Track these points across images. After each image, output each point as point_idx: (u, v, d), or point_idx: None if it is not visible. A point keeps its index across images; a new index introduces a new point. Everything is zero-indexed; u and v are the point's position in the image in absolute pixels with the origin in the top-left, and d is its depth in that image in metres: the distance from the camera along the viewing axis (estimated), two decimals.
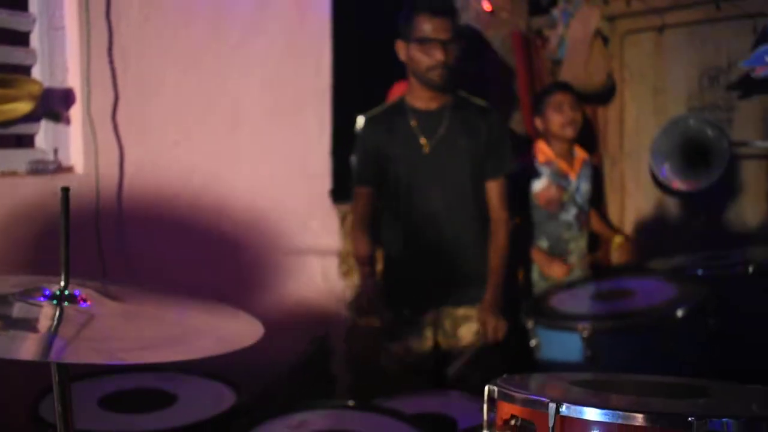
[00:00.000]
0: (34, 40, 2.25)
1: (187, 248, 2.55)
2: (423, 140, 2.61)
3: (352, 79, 3.11)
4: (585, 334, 2.56)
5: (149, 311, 1.36)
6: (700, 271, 2.95)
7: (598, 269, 3.59)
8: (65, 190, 1.32)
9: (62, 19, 2.26)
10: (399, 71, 3.53)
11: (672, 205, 3.78)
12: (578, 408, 0.89)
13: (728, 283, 2.89)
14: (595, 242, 3.83)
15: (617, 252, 3.61)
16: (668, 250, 3.63)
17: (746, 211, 3.58)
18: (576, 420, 0.89)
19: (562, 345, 2.68)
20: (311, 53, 2.89)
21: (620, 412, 0.87)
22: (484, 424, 1.01)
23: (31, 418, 1.83)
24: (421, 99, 2.63)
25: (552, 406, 0.90)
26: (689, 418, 0.84)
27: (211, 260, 2.63)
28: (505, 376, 1.13)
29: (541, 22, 3.93)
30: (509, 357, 2.80)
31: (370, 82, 3.32)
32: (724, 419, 0.84)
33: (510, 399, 0.98)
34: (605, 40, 3.83)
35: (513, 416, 0.97)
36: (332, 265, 3.06)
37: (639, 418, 0.86)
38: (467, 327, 2.68)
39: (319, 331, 3.05)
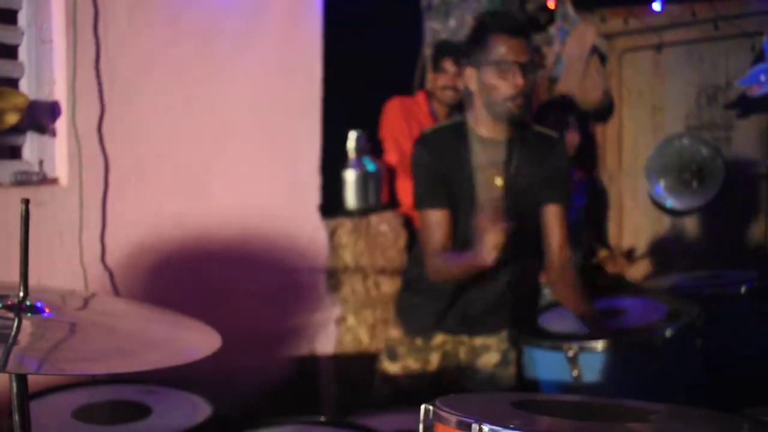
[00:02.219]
0: (22, 53, 2.28)
1: (172, 262, 2.56)
2: (493, 170, 2.37)
3: (344, 95, 3.12)
4: (570, 353, 2.54)
5: (106, 323, 1.37)
6: (692, 291, 2.92)
7: (592, 287, 3.57)
8: (26, 202, 1.33)
9: (50, 32, 2.29)
10: (393, 86, 3.56)
11: (669, 223, 3.75)
12: (500, 430, 0.88)
13: (720, 303, 2.87)
14: (593, 258, 3.81)
15: (608, 266, 3.59)
16: (664, 268, 3.61)
17: (742, 231, 3.54)
18: None
19: (549, 364, 2.65)
20: (301, 68, 2.90)
21: None
22: None
23: (7, 430, 1.84)
24: (487, 128, 2.38)
25: (475, 427, 0.89)
26: None
27: (195, 274, 2.63)
28: (451, 395, 1.12)
29: (538, 39, 3.94)
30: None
31: (362, 98, 3.34)
32: None
33: (442, 420, 0.97)
34: (602, 58, 3.83)
35: None
36: (321, 280, 3.05)
37: None
38: (487, 357, 2.55)
39: (306, 347, 3.04)
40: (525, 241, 2.40)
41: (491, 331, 2.54)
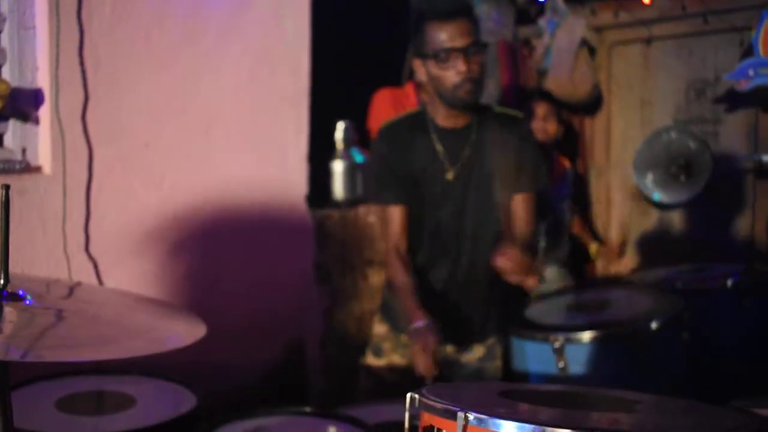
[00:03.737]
0: (4, 39, 2.25)
1: (157, 251, 2.54)
2: (447, 164, 2.32)
3: (332, 85, 3.11)
4: (556, 345, 2.54)
5: (89, 310, 1.35)
6: (678, 284, 2.94)
7: (580, 280, 3.58)
8: (6, 188, 1.31)
9: (33, 18, 2.26)
10: (382, 77, 3.54)
11: (656, 216, 3.76)
12: (486, 418, 0.87)
13: (706, 297, 2.88)
14: (581, 252, 3.81)
15: (598, 259, 3.60)
16: (652, 261, 3.62)
17: (730, 224, 3.56)
18: (484, 430, 0.87)
19: (535, 356, 2.65)
20: (289, 57, 2.88)
21: (526, 424, 0.85)
22: None
23: None
24: (445, 117, 2.32)
25: (461, 415, 0.88)
26: None
27: (181, 264, 2.61)
28: (437, 384, 1.11)
29: (528, 31, 3.93)
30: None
31: (351, 88, 3.32)
32: None
33: (428, 408, 0.96)
34: (592, 51, 3.83)
35: (431, 426, 0.96)
36: (308, 271, 3.04)
37: (547, 431, 0.85)
38: (472, 352, 2.51)
39: (294, 338, 3.03)
40: (489, 234, 2.36)
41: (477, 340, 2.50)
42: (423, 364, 2.10)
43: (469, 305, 2.45)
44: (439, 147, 2.32)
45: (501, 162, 2.32)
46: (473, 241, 2.37)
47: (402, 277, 2.28)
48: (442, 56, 2.17)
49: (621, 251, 3.64)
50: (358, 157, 3.25)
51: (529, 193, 2.37)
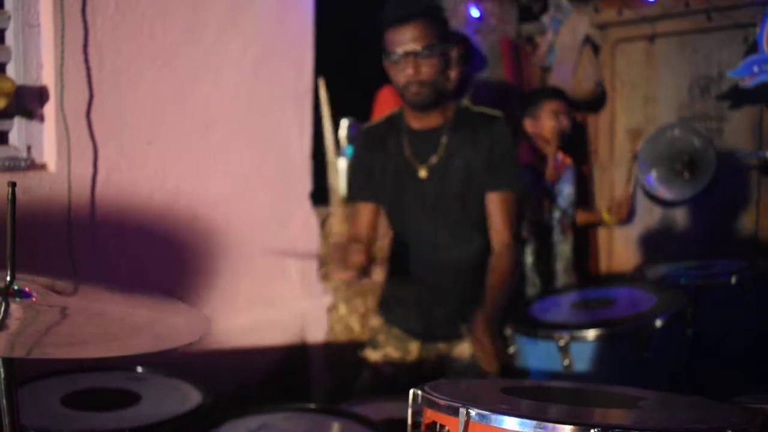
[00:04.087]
0: (9, 37, 2.25)
1: (161, 249, 2.55)
2: (417, 164, 2.35)
3: (336, 82, 3.11)
4: (561, 342, 2.54)
5: (93, 308, 1.36)
6: (682, 281, 2.93)
7: (584, 277, 3.58)
8: (12, 185, 1.31)
9: (37, 16, 2.26)
10: (385, 75, 3.54)
11: (659, 213, 3.76)
12: (488, 414, 0.87)
13: (710, 293, 2.88)
14: (585, 249, 3.81)
15: (612, 220, 3.54)
16: (656, 258, 3.62)
17: (733, 221, 3.55)
18: (487, 427, 0.88)
19: (540, 353, 2.66)
20: (292, 54, 2.88)
21: (528, 420, 0.85)
22: (408, 428, 0.99)
23: None
24: (414, 118, 2.35)
25: (462, 411, 0.88)
26: (592, 430, 0.82)
27: (185, 261, 2.62)
28: (440, 380, 1.11)
29: (531, 28, 3.93)
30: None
31: (355, 85, 3.32)
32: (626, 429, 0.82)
33: (430, 404, 0.96)
34: (596, 49, 3.82)
35: (434, 422, 0.96)
36: (312, 268, 3.04)
37: (548, 426, 0.85)
38: (464, 346, 2.50)
39: (297, 335, 3.03)
40: (470, 230, 2.36)
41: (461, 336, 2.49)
42: (340, 274, 2.15)
43: (453, 300, 2.44)
44: (408, 148, 2.36)
45: (474, 161, 2.33)
46: (449, 238, 2.37)
47: (357, 260, 2.20)
48: (393, 59, 2.22)
49: (630, 210, 3.57)
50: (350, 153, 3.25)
51: (504, 192, 2.34)
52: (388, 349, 2.54)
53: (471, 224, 2.38)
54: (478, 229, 2.39)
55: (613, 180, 3.98)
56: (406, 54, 2.20)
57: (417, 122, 2.36)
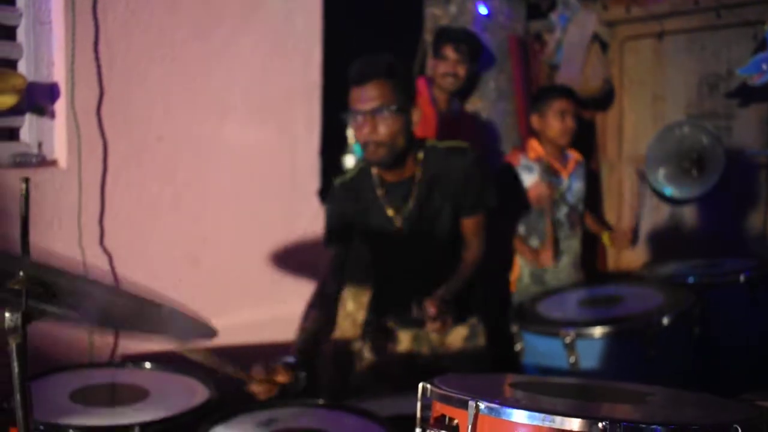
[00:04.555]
0: (21, 34, 2.27)
1: (170, 245, 2.56)
2: (392, 213, 2.39)
3: (345, 79, 3.11)
4: (567, 340, 2.55)
5: None
6: (690, 279, 2.93)
7: (591, 274, 3.58)
8: (26, 180, 1.33)
9: (49, 13, 2.28)
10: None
11: (668, 211, 3.75)
12: (497, 407, 0.88)
13: (718, 292, 2.87)
14: (593, 247, 3.81)
15: (611, 246, 3.58)
16: (664, 256, 3.61)
17: (742, 219, 3.54)
18: (496, 420, 0.88)
19: (546, 350, 2.67)
20: (300, 51, 2.89)
21: (537, 413, 0.86)
22: (417, 422, 1.00)
23: (1, 411, 1.85)
24: (385, 172, 2.38)
25: (472, 404, 0.89)
26: (600, 424, 0.83)
27: (193, 257, 2.63)
28: (449, 374, 1.12)
29: (540, 26, 3.92)
30: (497, 362, 2.78)
31: None
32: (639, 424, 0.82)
33: (440, 397, 0.97)
34: (604, 46, 3.82)
35: (443, 415, 0.97)
36: (319, 264, 3.05)
37: (556, 420, 0.86)
38: (455, 333, 2.54)
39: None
40: (447, 256, 2.44)
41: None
42: (260, 393, 2.03)
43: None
44: (383, 200, 2.40)
45: (447, 196, 2.40)
46: (427, 272, 2.42)
47: (310, 320, 2.35)
48: (351, 118, 2.27)
49: (634, 237, 3.60)
50: (360, 152, 3.26)
51: (476, 216, 2.44)
52: (382, 344, 2.57)
53: (447, 252, 2.46)
54: (453, 247, 2.47)
55: (621, 177, 3.98)
56: (364, 113, 2.22)
57: (389, 176, 2.39)
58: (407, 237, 2.41)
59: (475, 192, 2.43)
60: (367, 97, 2.21)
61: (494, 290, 2.92)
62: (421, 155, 2.39)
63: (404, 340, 2.56)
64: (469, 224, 2.45)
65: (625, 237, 3.50)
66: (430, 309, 2.16)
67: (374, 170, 2.41)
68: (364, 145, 2.27)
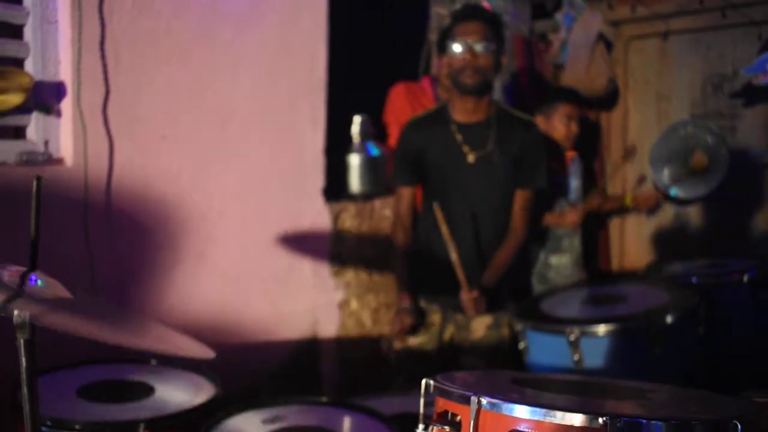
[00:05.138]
0: (28, 33, 2.29)
1: (175, 242, 2.57)
2: (467, 149, 2.68)
3: (349, 78, 3.12)
4: (572, 338, 2.55)
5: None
6: (694, 279, 2.93)
7: (595, 274, 3.58)
8: (38, 179, 1.34)
9: (55, 12, 2.29)
10: (398, 71, 3.56)
11: (672, 211, 3.75)
12: (499, 403, 0.89)
13: (722, 291, 2.88)
14: (596, 248, 3.81)
15: (638, 205, 3.55)
16: (668, 255, 3.62)
17: (746, 219, 3.54)
18: (498, 415, 0.89)
19: (550, 349, 2.67)
20: (305, 50, 2.90)
21: (539, 409, 0.87)
22: (420, 418, 1.01)
23: (11, 407, 1.86)
24: (461, 111, 2.70)
25: (474, 399, 0.90)
26: (601, 419, 0.84)
27: (198, 255, 2.64)
28: (452, 371, 1.13)
29: (545, 25, 3.93)
30: (508, 361, 2.80)
31: (368, 81, 3.33)
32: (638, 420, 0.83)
33: (442, 393, 0.98)
34: (609, 46, 3.82)
35: (446, 411, 0.97)
36: (323, 263, 3.06)
37: (557, 415, 0.86)
38: (479, 320, 2.71)
39: (309, 330, 3.05)
40: (493, 214, 2.70)
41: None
42: (395, 336, 2.68)
43: (475, 270, 2.67)
44: (459, 136, 2.69)
45: (511, 156, 2.68)
46: (488, 219, 2.70)
47: (403, 251, 2.75)
48: (452, 47, 2.62)
49: (656, 205, 3.58)
50: (375, 151, 3.26)
51: (527, 191, 2.72)
52: (421, 330, 2.76)
53: (503, 206, 2.72)
54: (506, 213, 2.73)
55: (625, 177, 3.98)
56: (468, 44, 2.59)
57: (462, 116, 2.70)
58: (478, 170, 2.68)
59: (532, 166, 2.71)
60: (471, 31, 2.60)
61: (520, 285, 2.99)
62: (492, 110, 2.71)
63: (435, 323, 2.77)
64: (520, 196, 2.71)
65: (652, 198, 3.49)
66: (468, 293, 2.54)
67: (450, 110, 2.72)
68: (460, 71, 2.60)
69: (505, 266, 2.70)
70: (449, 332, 2.78)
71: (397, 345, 2.73)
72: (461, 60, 2.60)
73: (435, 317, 2.77)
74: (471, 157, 2.67)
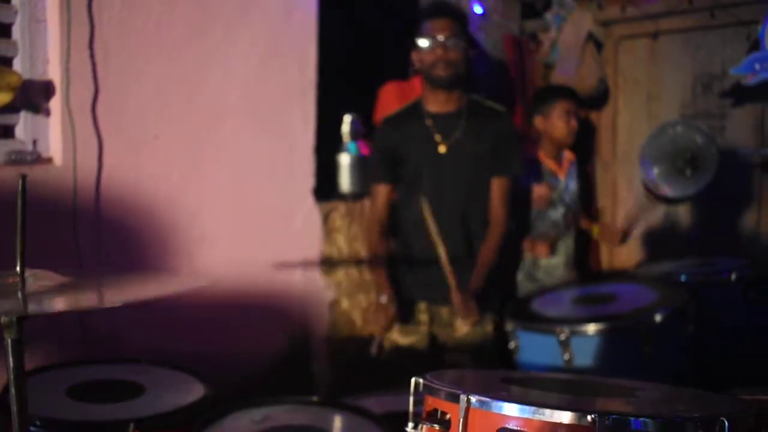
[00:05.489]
0: (16, 32, 2.27)
1: (165, 242, 2.57)
2: (438, 139, 2.74)
3: (339, 78, 3.12)
4: (562, 337, 2.56)
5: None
6: (683, 278, 2.95)
7: (585, 273, 3.59)
8: (23, 177, 1.33)
9: (44, 11, 2.28)
10: (389, 70, 3.56)
11: (662, 210, 3.77)
12: (488, 401, 0.89)
13: (711, 290, 2.89)
14: (587, 246, 3.82)
15: (600, 239, 3.61)
16: (658, 254, 3.63)
17: (735, 219, 3.56)
18: (487, 413, 0.89)
19: (541, 348, 2.68)
20: (296, 50, 2.90)
21: (528, 406, 0.87)
22: (410, 416, 1.01)
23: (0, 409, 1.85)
24: (434, 102, 2.77)
25: (463, 398, 0.90)
26: (590, 416, 0.84)
27: (189, 255, 2.64)
28: (442, 370, 1.13)
29: (535, 25, 3.94)
30: (493, 359, 2.80)
31: (358, 81, 3.33)
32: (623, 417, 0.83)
33: (432, 391, 0.98)
34: (599, 45, 3.83)
35: (435, 409, 0.97)
36: (314, 263, 3.06)
37: (546, 413, 0.87)
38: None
39: (300, 330, 3.05)
40: (468, 203, 2.75)
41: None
42: (378, 329, 2.69)
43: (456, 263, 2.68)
44: (431, 126, 2.76)
45: (483, 146, 2.74)
46: (460, 205, 2.75)
47: (378, 250, 2.80)
48: (424, 43, 2.69)
49: (624, 236, 3.63)
50: (365, 151, 3.26)
51: (504, 178, 2.77)
52: (407, 327, 2.80)
53: (477, 196, 2.77)
54: (481, 203, 2.77)
55: (615, 177, 3.99)
56: (439, 40, 2.66)
57: (435, 106, 2.77)
58: (450, 160, 2.73)
59: (507, 153, 2.77)
60: (440, 27, 2.68)
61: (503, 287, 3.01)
62: (463, 101, 2.77)
63: (422, 321, 2.80)
64: (498, 185, 2.76)
65: (615, 233, 3.53)
66: (458, 296, 2.57)
67: (423, 103, 2.79)
68: (432, 65, 2.68)
69: (491, 263, 2.73)
70: (435, 330, 2.80)
71: (379, 341, 2.73)
72: (433, 54, 2.67)
73: (423, 316, 2.80)
74: (443, 148, 2.73)
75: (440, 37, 2.67)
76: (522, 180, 3.05)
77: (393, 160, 2.79)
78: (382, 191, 2.81)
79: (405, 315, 2.78)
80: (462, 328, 2.72)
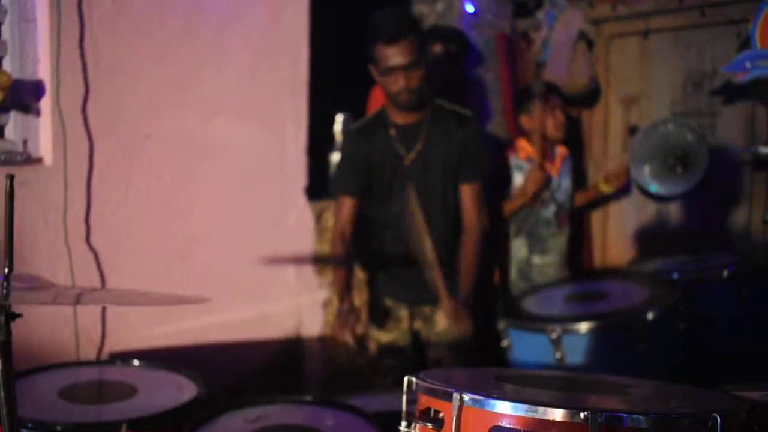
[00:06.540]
0: (5, 31, 2.26)
1: (157, 243, 2.56)
2: (403, 151, 2.66)
3: (331, 77, 3.12)
4: (553, 336, 2.57)
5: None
6: (675, 275, 2.96)
7: (578, 271, 3.60)
8: (10, 177, 1.33)
9: (33, 10, 2.27)
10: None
11: (653, 208, 3.78)
12: (481, 399, 0.89)
13: (703, 287, 2.90)
14: (579, 243, 3.83)
15: (609, 187, 3.57)
16: (649, 252, 3.64)
17: (726, 216, 3.58)
18: (480, 411, 0.89)
19: (533, 346, 2.68)
20: (288, 49, 2.90)
21: (521, 404, 0.87)
22: (403, 415, 1.01)
23: None
24: (399, 115, 2.67)
25: (456, 396, 0.90)
26: (582, 414, 0.84)
27: (180, 256, 2.63)
28: (435, 369, 1.13)
29: (526, 24, 3.94)
30: (485, 358, 2.80)
31: (350, 80, 3.33)
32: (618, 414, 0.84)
33: (425, 390, 0.98)
34: (590, 44, 3.84)
35: (429, 408, 0.97)
36: (306, 262, 3.06)
37: (539, 410, 0.87)
38: (441, 314, 2.66)
39: (293, 329, 3.05)
40: (436, 210, 2.67)
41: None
42: (342, 339, 2.52)
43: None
44: (396, 137, 2.67)
45: (449, 152, 2.66)
46: (433, 221, 2.65)
47: (340, 260, 2.68)
48: (385, 73, 2.54)
49: (627, 176, 3.59)
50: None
51: (473, 183, 2.70)
52: (389, 325, 2.75)
53: (450, 208, 2.71)
54: (452, 208, 2.71)
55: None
56: (401, 68, 2.51)
57: (401, 118, 2.67)
58: (415, 170, 2.66)
59: (475, 158, 2.69)
60: (401, 53, 2.50)
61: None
62: (428, 108, 2.67)
63: (404, 318, 2.75)
64: (468, 191, 2.69)
65: (621, 173, 3.51)
66: (448, 303, 2.51)
67: (388, 113, 2.68)
68: (397, 94, 2.56)
69: (474, 268, 2.65)
70: (417, 326, 2.75)
71: (350, 342, 2.56)
72: (395, 85, 2.53)
73: (402, 313, 2.75)
74: (407, 159, 2.65)
75: (401, 63, 2.50)
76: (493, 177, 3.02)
77: (362, 171, 2.68)
78: (347, 204, 2.69)
79: (380, 320, 2.73)
80: (441, 322, 2.68)
